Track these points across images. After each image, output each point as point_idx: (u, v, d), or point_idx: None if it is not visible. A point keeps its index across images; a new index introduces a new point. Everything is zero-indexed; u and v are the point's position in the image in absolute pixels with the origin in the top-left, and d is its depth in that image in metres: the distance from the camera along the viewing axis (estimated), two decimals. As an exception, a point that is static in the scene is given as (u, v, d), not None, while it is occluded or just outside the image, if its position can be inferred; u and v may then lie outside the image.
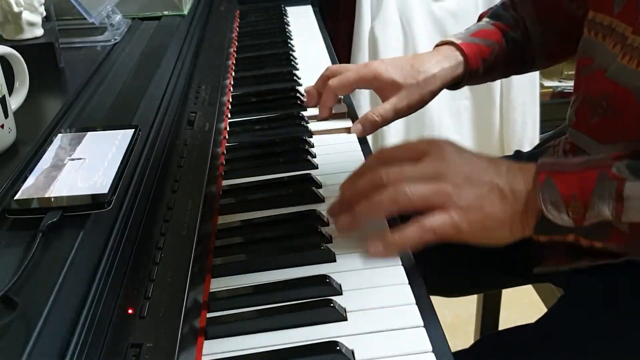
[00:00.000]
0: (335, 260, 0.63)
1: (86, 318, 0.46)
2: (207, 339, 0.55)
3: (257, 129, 0.91)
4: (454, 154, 0.65)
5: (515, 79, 1.98)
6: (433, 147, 0.65)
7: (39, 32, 0.88)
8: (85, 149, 0.62)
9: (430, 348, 0.52)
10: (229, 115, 0.96)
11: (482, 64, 0.90)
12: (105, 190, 0.55)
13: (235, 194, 0.76)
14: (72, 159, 0.60)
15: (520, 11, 0.94)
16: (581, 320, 0.69)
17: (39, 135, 0.67)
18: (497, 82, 2.00)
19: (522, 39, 0.93)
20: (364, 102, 1.87)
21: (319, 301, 0.57)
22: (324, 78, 0.93)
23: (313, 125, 0.91)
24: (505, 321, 1.12)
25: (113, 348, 0.48)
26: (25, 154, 0.63)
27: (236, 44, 1.27)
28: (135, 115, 0.74)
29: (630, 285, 0.69)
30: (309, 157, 0.81)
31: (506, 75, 0.98)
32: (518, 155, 1.01)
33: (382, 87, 0.88)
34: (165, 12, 1.13)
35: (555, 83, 2.22)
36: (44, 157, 0.61)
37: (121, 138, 0.64)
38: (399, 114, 0.87)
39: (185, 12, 1.14)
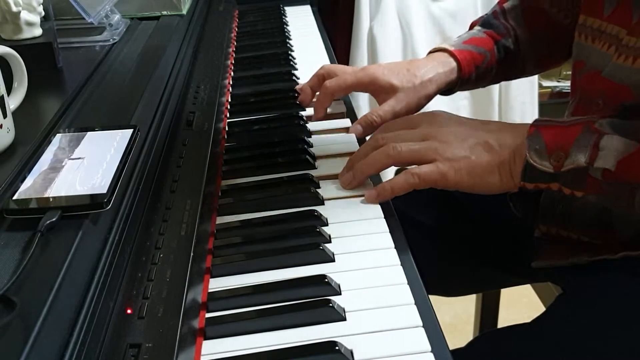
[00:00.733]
0: (334, 260, 0.63)
1: (85, 318, 0.46)
2: (206, 339, 0.55)
3: (256, 129, 0.91)
4: (446, 119, 0.73)
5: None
6: (427, 116, 0.75)
7: (38, 32, 0.88)
8: (84, 149, 0.62)
9: (429, 348, 0.52)
10: (228, 115, 0.96)
11: (474, 71, 0.92)
12: (104, 190, 0.55)
13: (234, 194, 0.76)
14: (71, 159, 0.60)
15: (511, 20, 0.96)
16: (579, 318, 0.69)
17: (37, 135, 0.67)
18: (496, 82, 2.00)
19: (513, 46, 0.95)
20: (363, 102, 1.87)
21: (318, 301, 0.57)
22: (319, 77, 0.94)
23: (312, 126, 0.91)
24: (504, 321, 1.12)
25: (112, 348, 0.48)
26: (23, 154, 0.63)
27: (235, 44, 1.27)
28: (134, 115, 0.74)
29: (628, 284, 0.69)
30: (308, 158, 0.81)
31: (497, 81, 1.01)
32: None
33: (379, 91, 0.89)
34: (164, 12, 1.13)
35: (554, 83, 2.23)
36: (42, 157, 0.61)
37: (120, 138, 0.64)
38: (397, 116, 0.88)
39: (184, 12, 1.14)
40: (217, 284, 0.61)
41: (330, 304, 0.56)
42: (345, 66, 0.97)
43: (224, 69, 1.09)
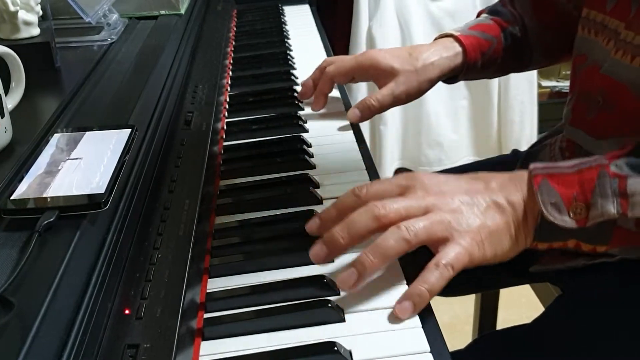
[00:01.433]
0: (332, 261, 0.63)
1: (83, 318, 0.46)
2: (204, 339, 0.55)
3: (255, 128, 0.91)
4: (437, 182, 0.62)
5: (513, 78, 1.99)
6: (413, 180, 0.62)
7: (35, 31, 0.88)
8: (81, 149, 0.62)
9: (428, 348, 0.52)
10: (226, 115, 0.96)
11: (480, 58, 0.90)
12: (102, 190, 0.55)
13: (233, 194, 0.76)
14: (69, 159, 0.60)
15: (519, 8, 0.94)
16: (578, 319, 0.69)
17: (35, 135, 0.67)
18: (495, 82, 2.00)
19: (520, 35, 0.93)
20: (362, 97, 1.87)
21: (317, 302, 0.57)
22: (321, 69, 0.93)
23: (310, 125, 0.90)
24: (503, 321, 1.12)
25: (109, 349, 0.48)
26: (21, 153, 0.63)
27: (233, 43, 1.26)
28: (132, 114, 0.74)
29: (627, 285, 0.69)
30: (307, 157, 0.81)
31: (503, 71, 0.98)
32: (515, 154, 1.01)
33: (380, 75, 0.88)
34: (162, 12, 1.12)
35: (552, 83, 2.23)
36: (40, 157, 0.61)
37: (118, 138, 0.64)
38: (396, 100, 0.87)
39: (182, 11, 1.14)
40: (215, 285, 0.61)
41: (329, 305, 0.56)
42: (347, 56, 0.96)
43: (222, 68, 1.09)
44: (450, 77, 0.91)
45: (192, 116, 0.85)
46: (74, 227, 0.52)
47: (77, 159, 0.60)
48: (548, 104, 2.15)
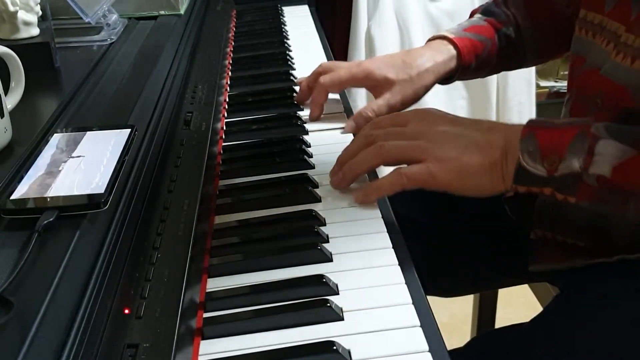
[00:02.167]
0: (332, 260, 0.63)
1: (82, 318, 0.46)
2: (203, 339, 0.55)
3: (254, 128, 0.91)
4: (436, 117, 0.71)
5: (512, 79, 1.99)
6: (417, 113, 0.73)
7: (35, 31, 0.88)
8: (81, 149, 0.62)
9: (426, 348, 0.52)
10: (226, 115, 0.96)
11: (474, 60, 0.90)
12: (102, 190, 0.55)
13: (232, 193, 0.76)
14: (69, 159, 0.60)
15: (512, 8, 0.94)
16: (577, 319, 0.69)
17: (35, 135, 0.67)
18: (494, 82, 2.00)
19: (514, 36, 0.93)
20: (361, 102, 1.87)
21: (316, 301, 0.57)
22: (316, 74, 0.93)
23: (310, 125, 0.90)
24: (502, 321, 1.12)
25: (109, 348, 0.48)
26: (21, 153, 0.63)
27: (233, 43, 1.27)
28: (132, 115, 0.74)
29: (626, 285, 0.69)
30: (306, 157, 0.81)
31: (498, 71, 0.99)
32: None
33: (375, 85, 0.88)
34: (162, 12, 1.13)
35: (551, 83, 2.23)
36: (40, 157, 0.61)
37: (117, 138, 0.64)
38: (392, 109, 0.87)
39: (182, 11, 1.14)
40: (214, 284, 0.61)
41: (328, 304, 0.56)
42: (344, 62, 0.96)
43: (222, 68, 1.09)
44: (445, 78, 0.92)
45: (191, 116, 0.86)
46: (74, 227, 0.52)
47: (76, 158, 0.60)
48: (546, 104, 2.15)
